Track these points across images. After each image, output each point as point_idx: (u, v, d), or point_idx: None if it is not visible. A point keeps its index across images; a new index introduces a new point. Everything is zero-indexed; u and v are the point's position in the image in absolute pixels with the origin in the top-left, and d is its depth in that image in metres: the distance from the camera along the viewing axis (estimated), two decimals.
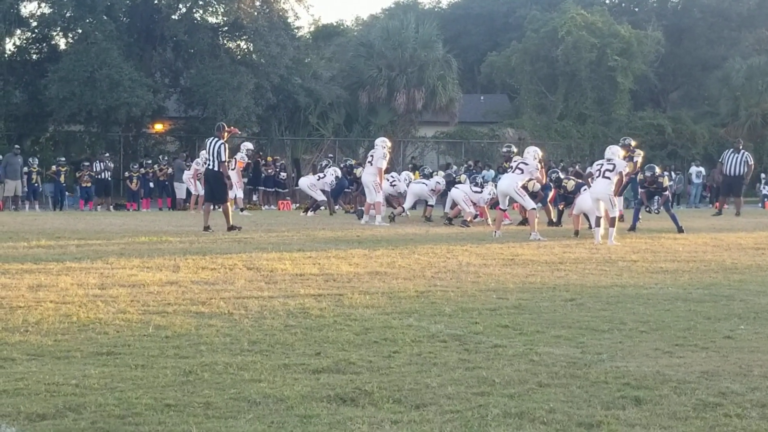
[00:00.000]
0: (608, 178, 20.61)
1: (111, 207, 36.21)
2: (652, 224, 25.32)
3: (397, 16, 60.79)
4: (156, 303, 10.61)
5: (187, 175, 36.86)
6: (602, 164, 21.06)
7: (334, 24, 60.41)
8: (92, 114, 47.61)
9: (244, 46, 53.60)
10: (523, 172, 22.41)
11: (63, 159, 41.63)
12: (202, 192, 34.53)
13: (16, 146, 40.88)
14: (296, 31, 55.49)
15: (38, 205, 38.57)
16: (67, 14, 48.66)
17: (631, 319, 10.03)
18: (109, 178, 41.35)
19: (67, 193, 40.72)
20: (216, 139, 22.66)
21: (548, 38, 58.81)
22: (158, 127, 51.75)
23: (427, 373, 7.42)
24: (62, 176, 39.99)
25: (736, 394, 6.87)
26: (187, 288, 11.85)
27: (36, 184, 40.10)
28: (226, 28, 52.39)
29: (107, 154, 41.98)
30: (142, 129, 50.91)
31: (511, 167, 23.52)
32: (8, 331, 8.81)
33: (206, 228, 21.83)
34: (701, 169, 49.79)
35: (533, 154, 23.04)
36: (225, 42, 52.95)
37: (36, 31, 50.87)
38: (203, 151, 34.67)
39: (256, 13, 50.25)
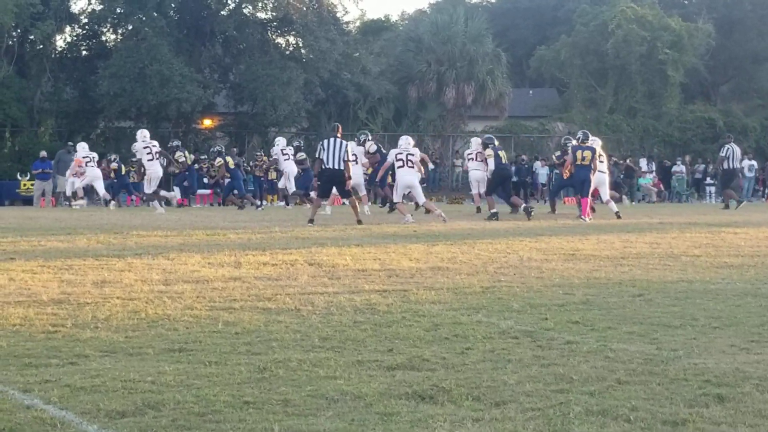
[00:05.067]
0: None
1: (162, 202, 36.32)
2: (713, 219, 25.11)
3: (445, 10, 60.60)
4: (222, 299, 10.58)
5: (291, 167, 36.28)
6: None
7: (381, 19, 60.11)
8: (142, 110, 47.89)
9: (294, 42, 53.69)
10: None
11: (115, 155, 41.83)
12: (289, 187, 34.85)
13: (69, 143, 41.10)
14: (345, 25, 55.42)
15: (89, 201, 38.76)
16: (118, 10, 48.95)
17: (703, 315, 9.89)
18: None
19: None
20: (336, 138, 23.31)
21: (598, 32, 58.49)
22: (207, 122, 51.92)
23: (503, 370, 7.33)
24: (112, 173, 40.17)
25: None
26: (251, 284, 11.82)
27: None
28: (275, 23, 52.49)
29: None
30: (191, 125, 51.09)
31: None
32: (78, 328, 8.80)
33: (311, 221, 22.64)
34: (753, 162, 49.37)
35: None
36: (274, 37, 53.05)
37: (86, 27, 51.21)
38: (281, 148, 34.99)
39: (305, 8, 50.31)
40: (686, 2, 70.95)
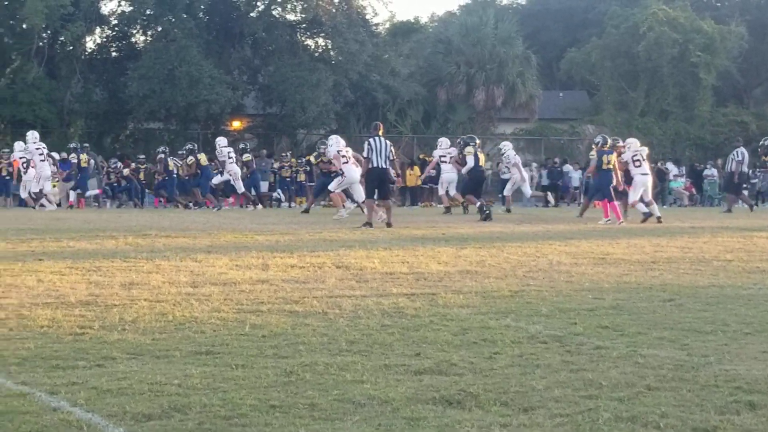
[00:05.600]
0: None
1: (191, 204, 36.47)
2: (745, 223, 24.96)
3: (475, 12, 60.54)
4: (249, 302, 10.56)
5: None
6: None
7: (411, 21, 60.07)
8: (171, 111, 48.02)
9: (323, 43, 53.70)
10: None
11: (143, 156, 41.94)
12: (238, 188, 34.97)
13: (85, 144, 41.20)
14: (374, 27, 55.40)
15: (117, 203, 38.96)
16: (147, 12, 49.08)
17: (734, 320, 9.80)
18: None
19: (147, 190, 41.05)
20: (380, 138, 23.41)
21: (629, 34, 58.24)
22: (236, 124, 51.99)
23: (531, 375, 7.27)
24: (141, 173, 40.30)
25: None
26: (278, 286, 11.80)
27: (115, 182, 40.45)
28: (305, 25, 52.52)
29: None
30: (220, 126, 51.16)
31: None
32: (106, 330, 8.80)
33: (367, 224, 22.60)
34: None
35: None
36: (303, 39, 53.07)
37: (116, 29, 51.38)
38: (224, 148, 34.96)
39: (334, 10, 50.32)
40: (718, 5, 70.59)
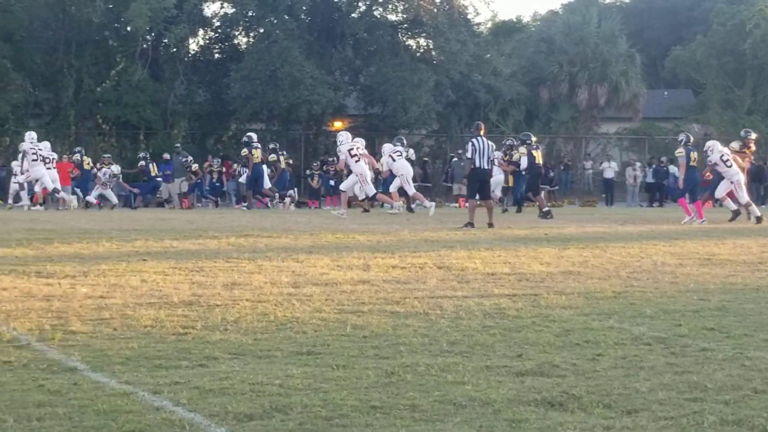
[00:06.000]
0: None
1: (291, 205, 36.70)
2: None
3: (578, 11, 60.09)
4: (350, 302, 10.56)
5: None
6: None
7: (513, 20, 59.80)
8: (273, 112, 48.35)
9: (424, 43, 53.70)
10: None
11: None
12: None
13: (177, 145, 41.64)
14: (476, 27, 55.24)
15: (217, 203, 39.35)
16: (250, 14, 49.45)
17: None
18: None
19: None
20: (483, 138, 23.48)
21: (735, 31, 57.35)
22: (338, 124, 52.16)
23: (635, 378, 7.17)
24: (240, 174, 40.62)
25: None
26: (379, 287, 11.79)
27: (218, 183, 40.85)
28: (406, 25, 52.55)
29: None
30: (322, 127, 51.36)
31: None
32: (208, 330, 8.85)
33: (469, 224, 22.43)
34: None
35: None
36: (405, 39, 53.12)
37: (219, 30, 51.86)
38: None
39: (435, 10, 50.28)
40: None
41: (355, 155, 29.29)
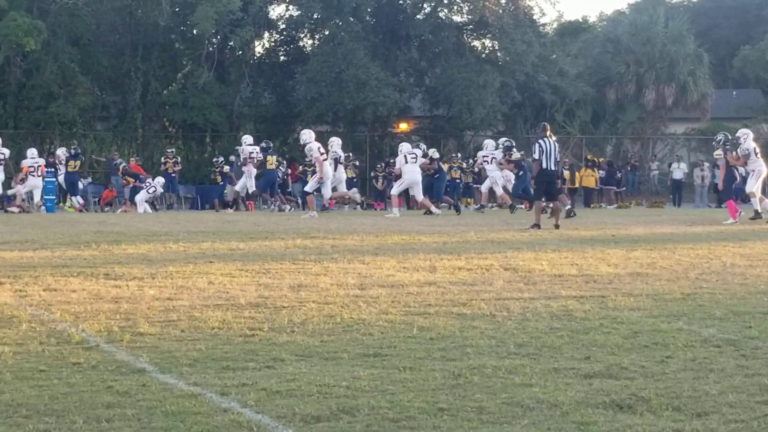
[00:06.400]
0: None
1: (358, 206, 36.76)
2: None
3: (645, 10, 59.61)
4: (417, 304, 10.55)
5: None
6: None
7: (579, 20, 59.45)
8: (339, 114, 48.39)
9: (489, 44, 53.52)
10: None
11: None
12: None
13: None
14: (542, 27, 55.00)
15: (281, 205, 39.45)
16: (315, 16, 49.53)
17: None
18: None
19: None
20: (549, 139, 23.43)
21: None
22: (403, 126, 52.12)
23: (705, 380, 7.10)
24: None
25: None
26: (446, 289, 11.77)
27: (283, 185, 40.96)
28: (471, 26, 52.38)
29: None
30: (387, 128, 51.36)
31: None
32: (275, 331, 8.88)
33: (535, 225, 22.32)
34: None
35: None
36: (470, 40, 52.97)
37: (284, 33, 52.01)
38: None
39: (500, 11, 50.09)
40: None
41: (323, 154, 29.63)
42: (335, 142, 33.79)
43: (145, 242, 17.64)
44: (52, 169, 36.81)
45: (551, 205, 24.83)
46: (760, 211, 26.04)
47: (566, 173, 41.47)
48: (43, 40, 42.95)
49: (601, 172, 45.03)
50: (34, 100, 44.68)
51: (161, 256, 15.39)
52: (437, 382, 6.96)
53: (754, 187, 26.38)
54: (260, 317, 9.60)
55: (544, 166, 23.12)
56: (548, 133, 23.57)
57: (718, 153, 27.79)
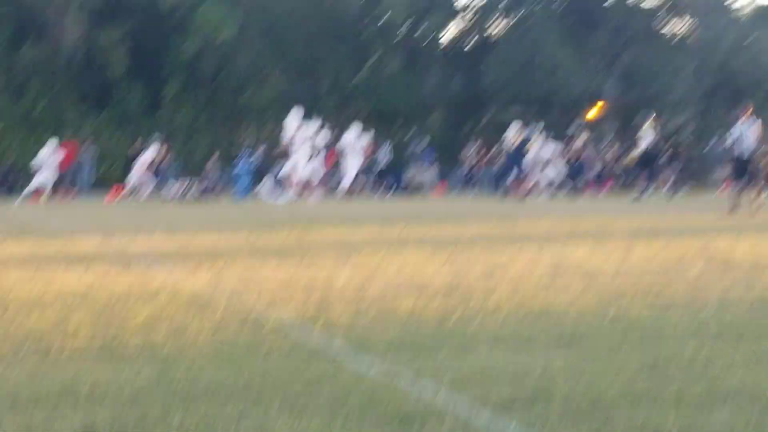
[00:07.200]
0: None
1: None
2: None
3: None
4: (610, 291, 10.38)
5: None
6: None
7: None
8: (531, 97, 48.19)
9: (682, 29, 52.69)
10: None
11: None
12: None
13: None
14: (737, 11, 53.82)
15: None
16: (503, 2, 49.45)
17: None
18: None
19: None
20: (747, 122, 23.32)
21: None
22: (594, 110, 51.68)
23: None
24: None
25: None
26: (640, 275, 11.56)
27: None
28: (663, 11, 51.66)
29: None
30: (579, 112, 51.01)
31: None
32: (467, 317, 8.80)
33: (734, 208, 22.27)
34: None
35: None
36: (662, 25, 52.22)
37: (473, 20, 52.05)
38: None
39: None
40: None
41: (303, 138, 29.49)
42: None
43: (336, 228, 17.81)
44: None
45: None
46: None
47: None
48: (237, 30, 43.76)
49: None
50: (227, 90, 45.59)
51: (353, 241, 15.52)
52: (633, 369, 6.81)
53: None
54: (452, 303, 9.56)
55: (736, 153, 22.82)
56: (746, 116, 23.10)
57: None
